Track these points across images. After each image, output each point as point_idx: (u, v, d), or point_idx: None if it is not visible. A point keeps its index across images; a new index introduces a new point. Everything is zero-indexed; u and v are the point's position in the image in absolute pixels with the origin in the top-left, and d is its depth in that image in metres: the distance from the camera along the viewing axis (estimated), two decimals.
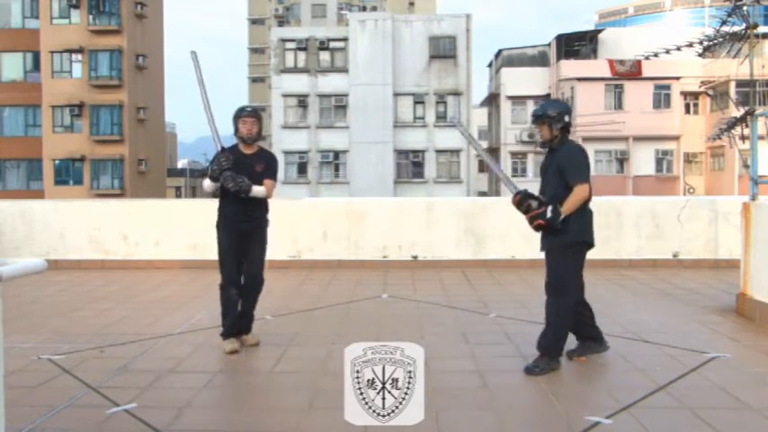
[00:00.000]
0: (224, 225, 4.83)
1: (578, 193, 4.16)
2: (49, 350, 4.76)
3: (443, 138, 35.07)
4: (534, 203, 4.24)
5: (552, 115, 4.30)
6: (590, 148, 34.60)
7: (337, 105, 35.55)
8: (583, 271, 4.39)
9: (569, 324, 4.34)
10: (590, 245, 4.33)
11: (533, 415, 3.50)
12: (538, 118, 4.36)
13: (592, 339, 4.49)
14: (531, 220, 4.25)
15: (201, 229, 8.51)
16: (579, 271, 4.36)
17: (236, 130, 4.81)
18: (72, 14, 36.45)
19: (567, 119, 4.34)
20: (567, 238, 4.23)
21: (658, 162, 35.86)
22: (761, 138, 6.75)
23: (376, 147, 34.61)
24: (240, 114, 4.80)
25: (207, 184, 4.73)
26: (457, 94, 35.20)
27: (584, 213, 4.28)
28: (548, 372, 4.19)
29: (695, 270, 8.26)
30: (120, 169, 36.72)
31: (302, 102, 35.59)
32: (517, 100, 39.74)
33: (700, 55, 30.84)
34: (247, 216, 4.80)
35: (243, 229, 4.80)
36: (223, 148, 4.72)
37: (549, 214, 4.17)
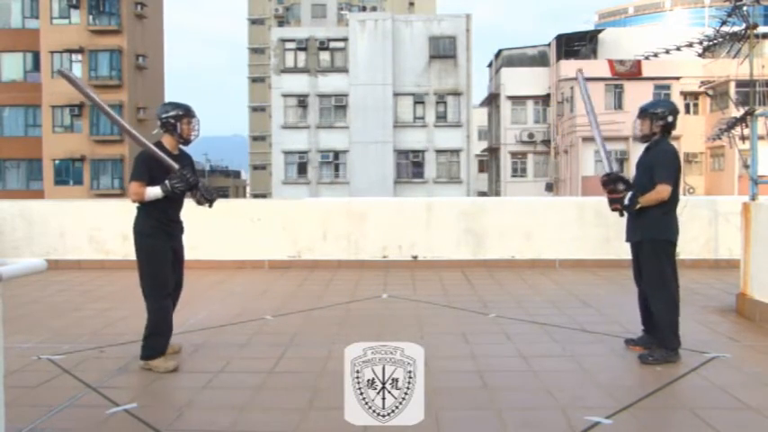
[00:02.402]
0: (161, 234, 4.48)
1: (659, 191, 4.35)
2: (49, 350, 4.76)
3: (443, 138, 35.09)
4: (621, 186, 4.52)
5: (656, 112, 4.49)
6: (590, 149, 34.72)
7: (337, 105, 35.56)
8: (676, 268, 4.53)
9: (677, 313, 4.45)
10: (673, 244, 4.47)
11: (533, 415, 3.49)
12: (643, 112, 4.55)
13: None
14: (610, 202, 4.52)
15: (201, 230, 8.51)
16: (673, 265, 4.49)
17: (176, 129, 4.44)
18: (72, 14, 36.49)
19: (669, 119, 4.51)
20: (650, 235, 4.42)
21: None
22: (761, 138, 6.75)
23: (376, 147, 34.62)
24: (187, 114, 4.45)
25: (154, 194, 4.36)
26: (457, 94, 35.20)
27: (666, 213, 4.43)
28: (663, 363, 4.31)
29: (695, 270, 8.25)
30: (120, 169, 36.72)
31: (302, 102, 35.61)
32: (517, 100, 39.79)
33: (700, 55, 30.90)
34: (179, 223, 4.63)
35: (178, 236, 4.59)
36: (181, 163, 4.41)
37: (626, 201, 4.46)
